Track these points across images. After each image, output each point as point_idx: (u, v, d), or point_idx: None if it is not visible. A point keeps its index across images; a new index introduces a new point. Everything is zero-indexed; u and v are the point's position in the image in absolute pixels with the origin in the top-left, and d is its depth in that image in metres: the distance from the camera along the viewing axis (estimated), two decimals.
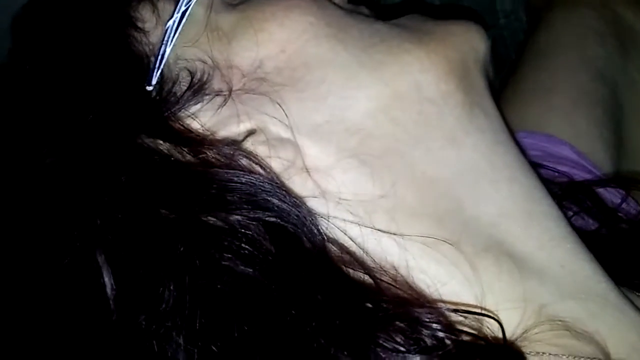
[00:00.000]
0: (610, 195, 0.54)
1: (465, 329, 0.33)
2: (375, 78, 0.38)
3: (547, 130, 0.58)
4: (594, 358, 0.35)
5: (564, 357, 0.34)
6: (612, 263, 0.44)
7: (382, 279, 0.34)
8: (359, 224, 0.35)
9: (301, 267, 0.33)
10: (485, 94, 0.41)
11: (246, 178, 0.34)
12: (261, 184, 0.34)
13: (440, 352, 0.32)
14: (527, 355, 0.34)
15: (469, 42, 0.41)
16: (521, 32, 0.81)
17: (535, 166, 0.51)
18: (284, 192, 0.34)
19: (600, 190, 0.53)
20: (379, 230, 0.35)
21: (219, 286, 0.32)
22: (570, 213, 0.51)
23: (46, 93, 0.36)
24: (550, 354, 0.34)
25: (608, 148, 0.59)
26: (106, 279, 0.32)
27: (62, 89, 0.36)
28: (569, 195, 0.52)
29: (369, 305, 0.33)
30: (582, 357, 0.34)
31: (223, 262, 0.32)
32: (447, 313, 0.33)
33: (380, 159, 0.37)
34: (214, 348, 0.31)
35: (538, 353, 0.34)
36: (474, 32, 0.41)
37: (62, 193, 0.34)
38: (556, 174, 0.53)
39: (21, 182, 0.35)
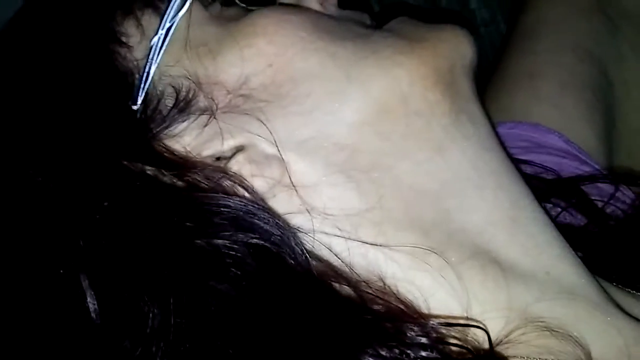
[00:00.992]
0: (604, 184, 0.53)
1: (452, 340, 0.34)
2: (362, 92, 0.37)
3: (534, 119, 0.57)
4: None
5: (547, 358, 0.35)
6: (600, 259, 0.45)
7: (368, 292, 0.34)
8: (345, 238, 0.35)
9: (285, 287, 0.33)
10: (472, 99, 0.41)
11: (230, 201, 0.34)
12: (245, 206, 0.34)
13: None
14: (510, 359, 0.34)
15: (458, 48, 0.40)
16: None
17: (522, 163, 0.52)
18: (267, 213, 0.34)
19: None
20: (365, 242, 0.35)
21: (203, 308, 0.32)
22: (559, 209, 0.51)
23: (29, 112, 0.36)
24: (532, 358, 0.34)
25: (599, 132, 0.58)
26: (90, 304, 0.32)
27: (47, 108, 0.36)
28: (555, 191, 0.51)
29: (355, 319, 0.33)
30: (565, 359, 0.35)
31: (208, 284, 0.32)
32: (434, 324, 0.34)
33: (367, 173, 0.37)
34: None
35: (522, 357, 0.34)
36: (462, 37, 0.41)
37: (45, 217, 0.34)
38: (543, 169, 0.53)
39: (3, 206, 0.35)
